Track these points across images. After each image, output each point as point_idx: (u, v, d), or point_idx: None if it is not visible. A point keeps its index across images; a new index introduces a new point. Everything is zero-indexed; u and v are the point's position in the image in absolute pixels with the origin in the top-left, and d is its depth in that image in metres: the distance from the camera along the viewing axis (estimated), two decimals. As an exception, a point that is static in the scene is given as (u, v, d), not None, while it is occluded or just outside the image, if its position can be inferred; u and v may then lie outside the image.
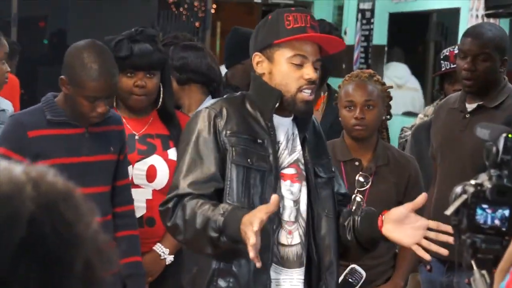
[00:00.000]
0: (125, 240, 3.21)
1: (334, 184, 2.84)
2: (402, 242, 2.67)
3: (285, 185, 2.72)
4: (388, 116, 3.67)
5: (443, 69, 4.47)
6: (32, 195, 1.03)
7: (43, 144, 3.03)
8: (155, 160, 3.46)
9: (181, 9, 9.50)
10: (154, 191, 3.44)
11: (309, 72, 2.67)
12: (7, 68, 3.66)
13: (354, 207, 3.50)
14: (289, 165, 2.74)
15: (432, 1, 8.06)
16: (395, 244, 3.51)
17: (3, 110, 3.75)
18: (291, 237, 2.72)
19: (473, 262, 1.88)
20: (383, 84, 3.60)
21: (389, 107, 3.62)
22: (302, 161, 2.76)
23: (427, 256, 2.66)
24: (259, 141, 2.69)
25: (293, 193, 2.73)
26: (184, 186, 2.62)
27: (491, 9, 6.80)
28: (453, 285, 3.71)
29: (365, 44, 9.12)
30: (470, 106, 3.75)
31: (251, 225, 2.38)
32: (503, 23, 6.58)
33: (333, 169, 2.87)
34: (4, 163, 1.08)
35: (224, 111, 2.70)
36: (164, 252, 3.43)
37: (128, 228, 3.23)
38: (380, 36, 8.88)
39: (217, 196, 2.64)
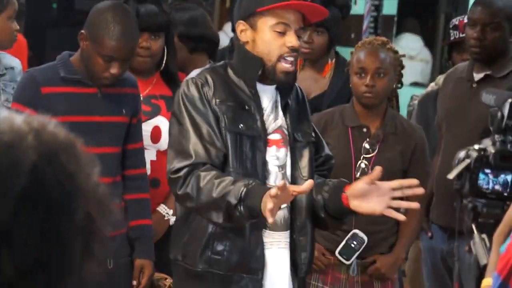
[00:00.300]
0: (135, 203, 3.22)
1: (313, 149, 2.87)
2: (372, 212, 2.68)
3: (270, 151, 2.76)
4: (399, 85, 3.66)
5: (452, 38, 4.44)
6: (34, 144, 1.03)
7: (56, 101, 3.04)
8: (160, 121, 3.47)
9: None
10: (158, 152, 3.45)
11: (291, 39, 2.70)
12: (16, 26, 3.63)
13: (359, 174, 3.51)
14: (274, 131, 2.79)
15: (444, -29, 8.00)
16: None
17: (12, 67, 3.72)
18: None
19: (473, 226, 1.89)
20: (396, 52, 3.59)
21: (401, 75, 3.61)
22: (286, 126, 2.81)
23: (401, 217, 2.68)
24: (246, 107, 2.73)
25: (279, 158, 2.78)
26: (195, 155, 2.66)
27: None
28: (453, 251, 3.72)
29: (374, 14, 9.07)
30: (477, 76, 3.73)
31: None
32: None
33: (313, 135, 2.89)
34: (5, 112, 1.08)
35: (210, 80, 2.74)
36: (168, 212, 3.44)
37: (139, 191, 3.24)
38: (390, 7, 8.82)
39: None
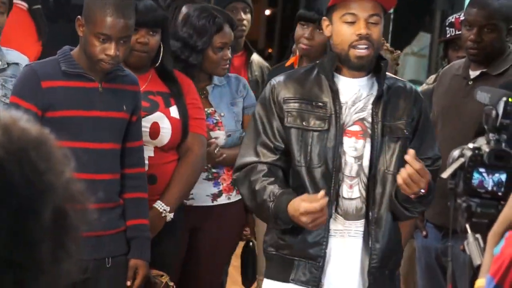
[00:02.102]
0: (133, 202, 3.20)
1: (405, 145, 2.94)
2: None
3: (348, 142, 2.92)
4: None
5: (448, 35, 4.43)
6: (1, 141, 1.01)
7: (57, 95, 3.03)
8: (158, 117, 3.46)
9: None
10: (156, 148, 3.45)
11: (359, 28, 2.87)
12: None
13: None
14: (354, 123, 2.93)
15: (440, -32, 8.00)
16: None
17: (17, 63, 3.56)
18: (351, 191, 2.91)
19: (467, 226, 1.89)
20: (392, 52, 3.59)
21: (396, 72, 3.61)
22: (369, 119, 2.93)
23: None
24: (319, 103, 2.91)
25: (356, 149, 2.92)
26: (250, 154, 2.93)
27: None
28: (447, 250, 3.72)
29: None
30: (473, 73, 3.73)
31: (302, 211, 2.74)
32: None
33: (406, 132, 2.96)
34: None
35: (282, 81, 2.97)
36: (165, 209, 3.43)
37: (137, 190, 3.21)
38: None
39: (286, 157, 2.92)
